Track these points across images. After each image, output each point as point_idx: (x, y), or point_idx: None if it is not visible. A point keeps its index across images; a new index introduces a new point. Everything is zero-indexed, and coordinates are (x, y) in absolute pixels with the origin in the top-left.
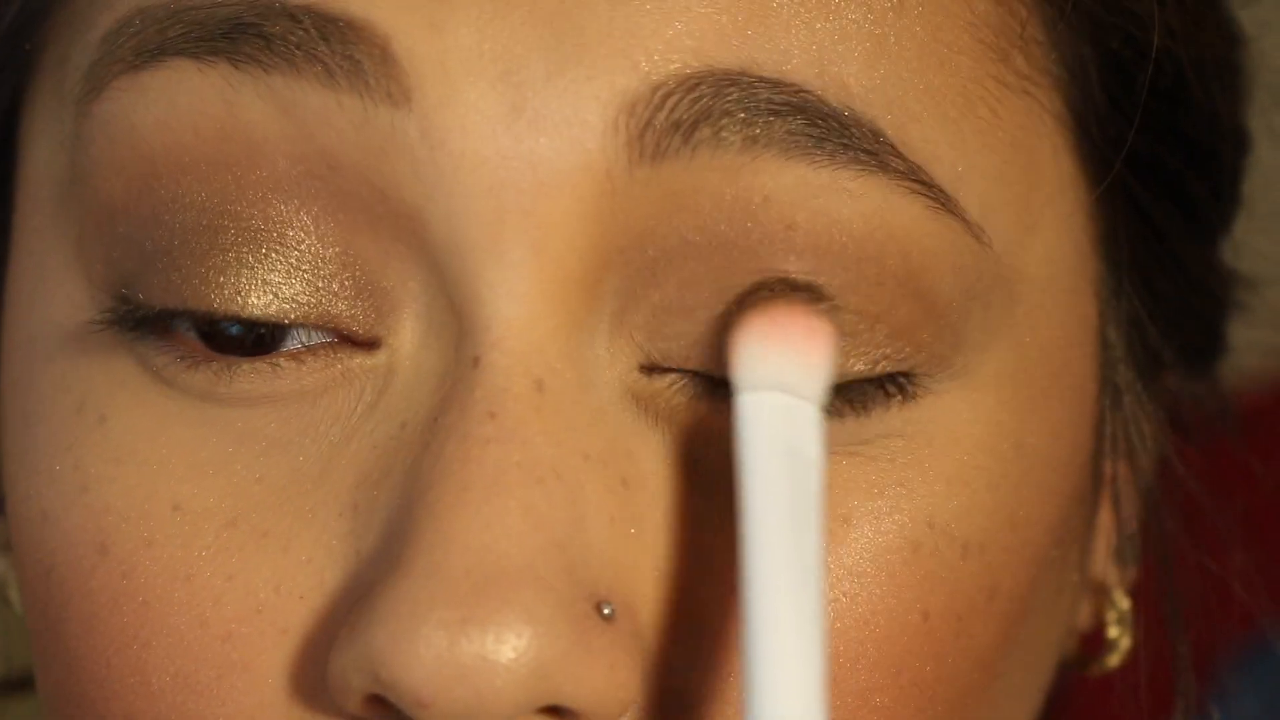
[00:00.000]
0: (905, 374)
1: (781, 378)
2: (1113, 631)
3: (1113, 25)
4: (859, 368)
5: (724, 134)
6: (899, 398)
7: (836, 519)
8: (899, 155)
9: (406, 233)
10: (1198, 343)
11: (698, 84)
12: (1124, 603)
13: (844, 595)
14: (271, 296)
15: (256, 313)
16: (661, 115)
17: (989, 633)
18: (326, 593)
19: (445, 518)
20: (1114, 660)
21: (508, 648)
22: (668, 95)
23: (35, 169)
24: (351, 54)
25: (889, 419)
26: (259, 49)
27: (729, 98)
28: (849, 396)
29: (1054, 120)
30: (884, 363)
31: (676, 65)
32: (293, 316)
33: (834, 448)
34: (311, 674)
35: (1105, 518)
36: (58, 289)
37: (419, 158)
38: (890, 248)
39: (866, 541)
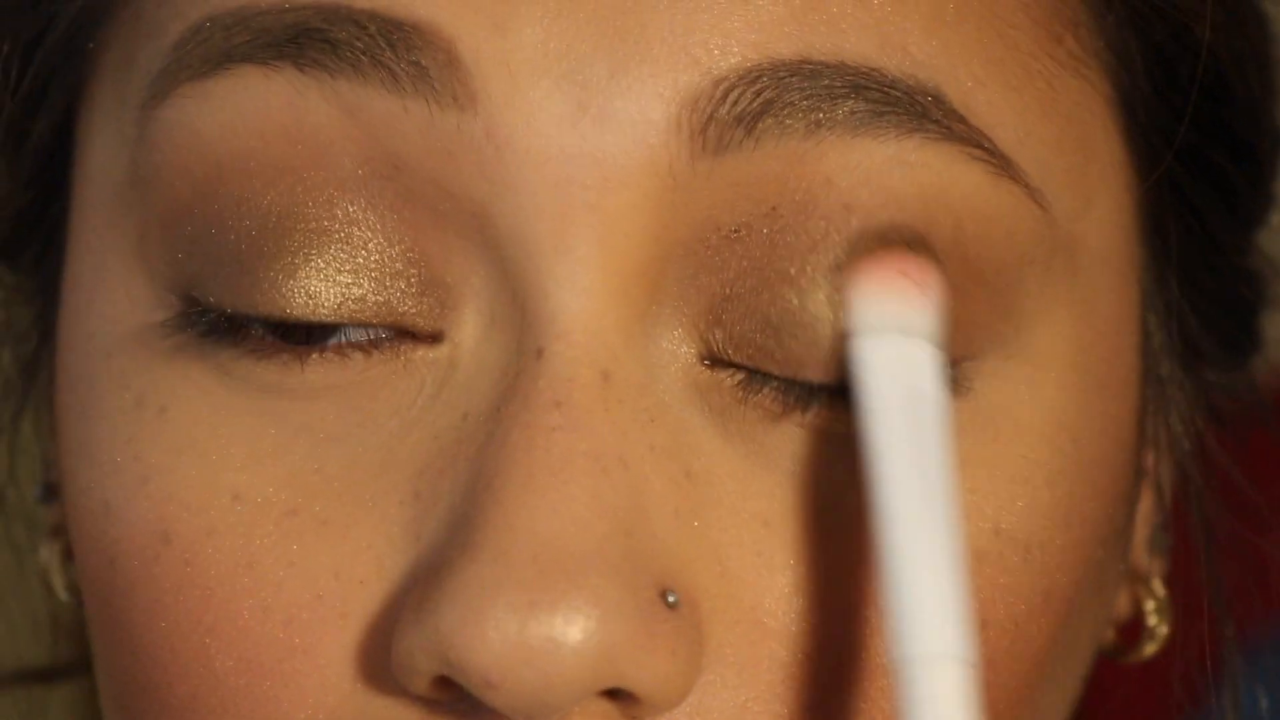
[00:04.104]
0: (961, 359)
1: (897, 320)
2: (1152, 620)
3: (1157, 16)
4: None
5: (787, 122)
6: (955, 390)
7: None
8: (963, 121)
9: (471, 229)
10: (1235, 336)
11: (758, 76)
12: (1161, 590)
13: None
14: (341, 297)
15: (326, 314)
16: (724, 109)
17: (1042, 635)
18: (387, 578)
19: (512, 504)
20: (1151, 648)
21: (576, 630)
22: (729, 89)
23: (94, 168)
24: (417, 59)
25: (954, 413)
26: (324, 54)
27: (791, 87)
28: None
29: (1105, 103)
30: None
31: (736, 59)
32: (361, 316)
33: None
34: (374, 657)
35: (1145, 508)
36: (119, 287)
37: (485, 157)
38: (944, 218)
39: None
